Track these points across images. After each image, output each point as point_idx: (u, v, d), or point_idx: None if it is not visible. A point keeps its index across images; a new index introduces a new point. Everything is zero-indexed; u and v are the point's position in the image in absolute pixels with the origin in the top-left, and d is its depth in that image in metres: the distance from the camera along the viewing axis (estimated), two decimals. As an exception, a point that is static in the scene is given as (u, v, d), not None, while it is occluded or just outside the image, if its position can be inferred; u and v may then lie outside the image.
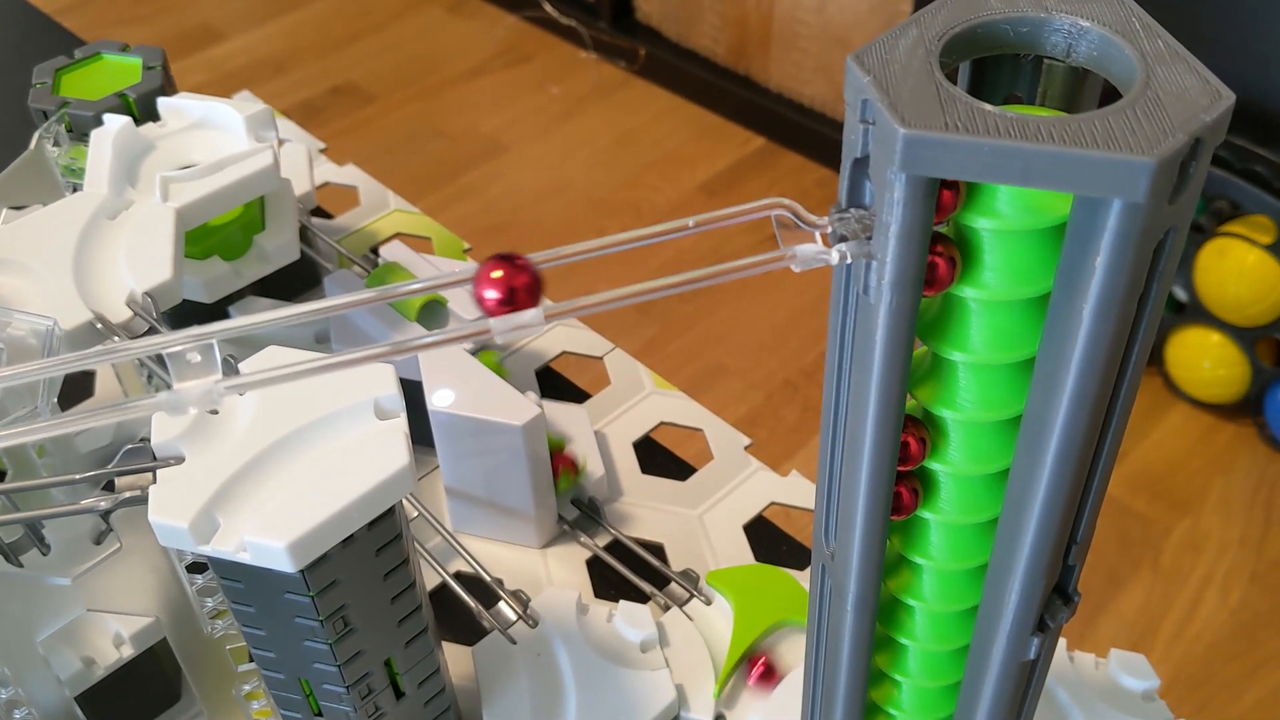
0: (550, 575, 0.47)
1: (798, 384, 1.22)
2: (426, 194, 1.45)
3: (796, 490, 0.50)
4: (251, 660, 0.36)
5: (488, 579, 0.44)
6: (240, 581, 0.31)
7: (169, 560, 0.33)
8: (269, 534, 0.28)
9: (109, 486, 0.31)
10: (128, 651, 0.40)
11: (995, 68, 0.25)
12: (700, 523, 0.49)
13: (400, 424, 0.31)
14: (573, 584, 0.47)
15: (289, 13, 1.90)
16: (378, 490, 0.29)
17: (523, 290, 0.25)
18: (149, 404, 0.21)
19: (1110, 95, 0.22)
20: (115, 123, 0.43)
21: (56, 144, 0.45)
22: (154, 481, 0.30)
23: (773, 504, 0.50)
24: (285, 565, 0.28)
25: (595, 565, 0.48)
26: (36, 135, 0.45)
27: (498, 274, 0.24)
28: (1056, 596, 0.28)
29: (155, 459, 0.30)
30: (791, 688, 0.41)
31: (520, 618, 0.43)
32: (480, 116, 1.66)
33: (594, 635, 0.42)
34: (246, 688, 0.37)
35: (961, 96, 0.21)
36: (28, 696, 0.35)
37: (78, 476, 0.30)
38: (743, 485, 0.51)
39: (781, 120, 1.54)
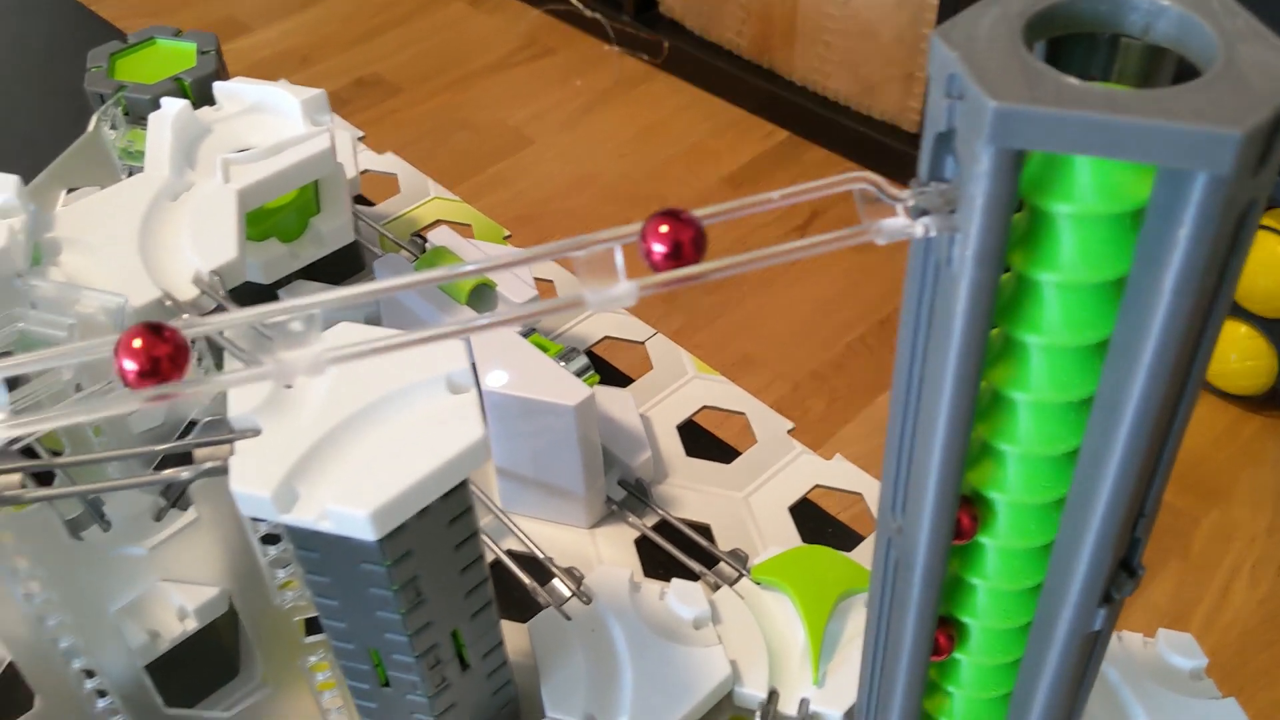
0: (600, 554, 0.48)
1: (825, 375, 1.22)
2: (455, 185, 1.45)
3: (841, 473, 0.51)
4: (320, 632, 0.36)
5: (541, 556, 0.45)
6: (316, 551, 0.32)
7: (241, 532, 0.34)
8: (350, 503, 0.29)
9: (182, 460, 0.32)
10: (191, 625, 0.41)
11: (1071, 46, 0.25)
12: (746, 505, 0.50)
13: (472, 398, 0.32)
14: (622, 563, 0.48)
15: (313, 6, 1.90)
16: (454, 462, 0.30)
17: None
18: (255, 373, 0.22)
19: (1182, 77, 0.22)
20: (173, 106, 0.44)
21: (114, 127, 0.46)
22: (232, 453, 0.31)
23: (817, 486, 0.51)
24: (366, 534, 0.29)
25: (643, 545, 0.48)
26: (95, 118, 0.46)
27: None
28: (1121, 569, 0.28)
29: (233, 432, 0.31)
30: (847, 662, 0.42)
31: (574, 594, 0.43)
32: (506, 109, 1.66)
33: (647, 612, 0.42)
34: (313, 659, 0.38)
35: (1048, 71, 0.21)
36: (100, 666, 0.36)
37: (158, 448, 0.31)
38: (787, 468, 0.51)
39: (805, 113, 1.54)
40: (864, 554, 0.47)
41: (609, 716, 0.39)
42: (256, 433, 0.31)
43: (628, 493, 0.50)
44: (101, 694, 0.37)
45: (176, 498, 0.41)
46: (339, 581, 0.32)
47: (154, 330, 0.23)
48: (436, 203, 0.69)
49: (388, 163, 0.70)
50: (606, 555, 0.48)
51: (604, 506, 0.49)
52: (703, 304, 1.32)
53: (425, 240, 0.59)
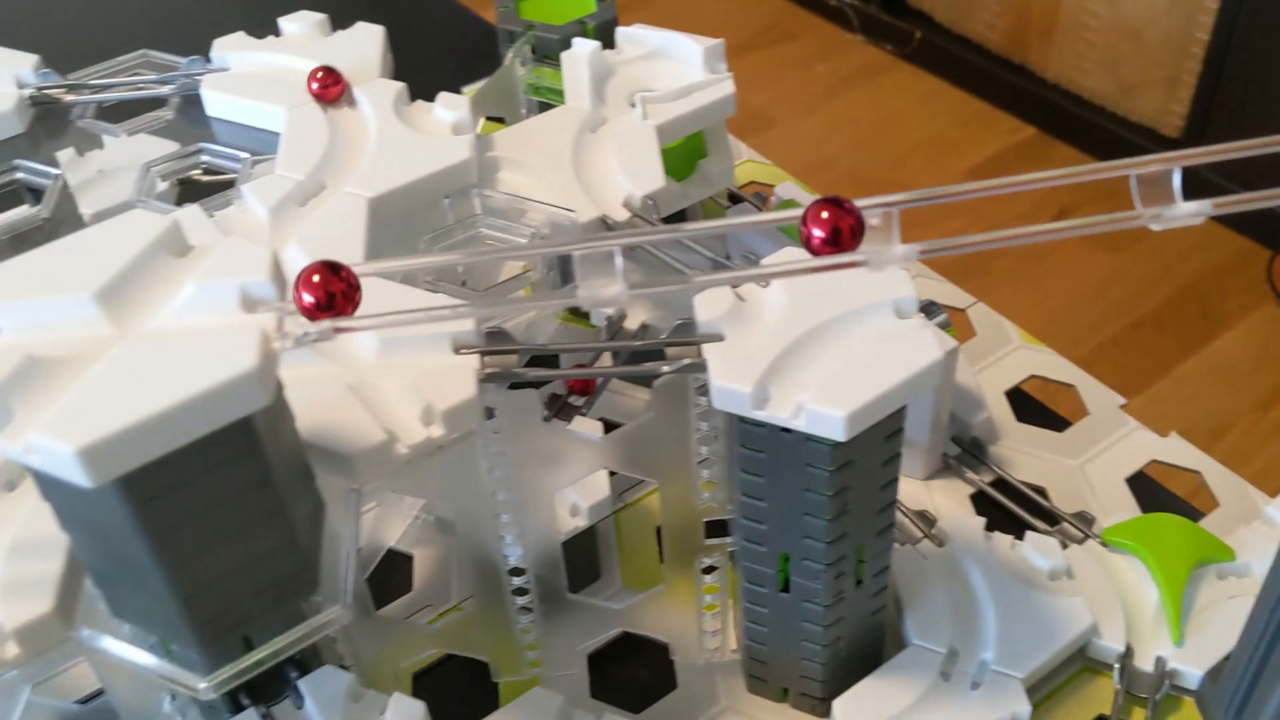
0: (935, 505, 0.50)
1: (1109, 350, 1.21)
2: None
3: (1178, 451, 0.51)
4: (722, 535, 0.39)
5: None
6: (763, 452, 0.34)
7: (681, 431, 0.37)
8: (827, 403, 0.31)
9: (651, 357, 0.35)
10: (581, 522, 0.44)
11: None
12: (1081, 472, 0.51)
13: (920, 322, 0.33)
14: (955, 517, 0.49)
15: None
16: (914, 379, 0.32)
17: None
18: (846, 259, 0.24)
19: None
20: (586, 46, 0.47)
21: (523, 63, 0.50)
22: (698, 356, 0.33)
23: (1154, 462, 0.51)
24: (838, 434, 0.31)
25: (978, 500, 0.50)
26: (510, 54, 0.49)
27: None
28: None
29: (701, 336, 0.34)
30: (1205, 627, 0.42)
31: (926, 535, 0.45)
32: (747, 90, 1.68)
33: (1002, 559, 0.44)
34: (707, 561, 0.40)
35: None
36: (526, 544, 0.39)
37: (636, 344, 0.34)
38: (1121, 441, 0.52)
39: (1056, 111, 1.52)
40: (1211, 527, 0.47)
41: (972, 650, 0.41)
42: (720, 338, 0.34)
43: (961, 449, 0.51)
44: (518, 572, 0.40)
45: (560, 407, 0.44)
46: (775, 483, 0.35)
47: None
48: (749, 164, 0.71)
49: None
50: (943, 506, 0.50)
51: (940, 460, 0.51)
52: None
53: (744, 199, 0.61)
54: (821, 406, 0.31)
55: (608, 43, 0.50)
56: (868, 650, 0.41)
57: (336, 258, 0.26)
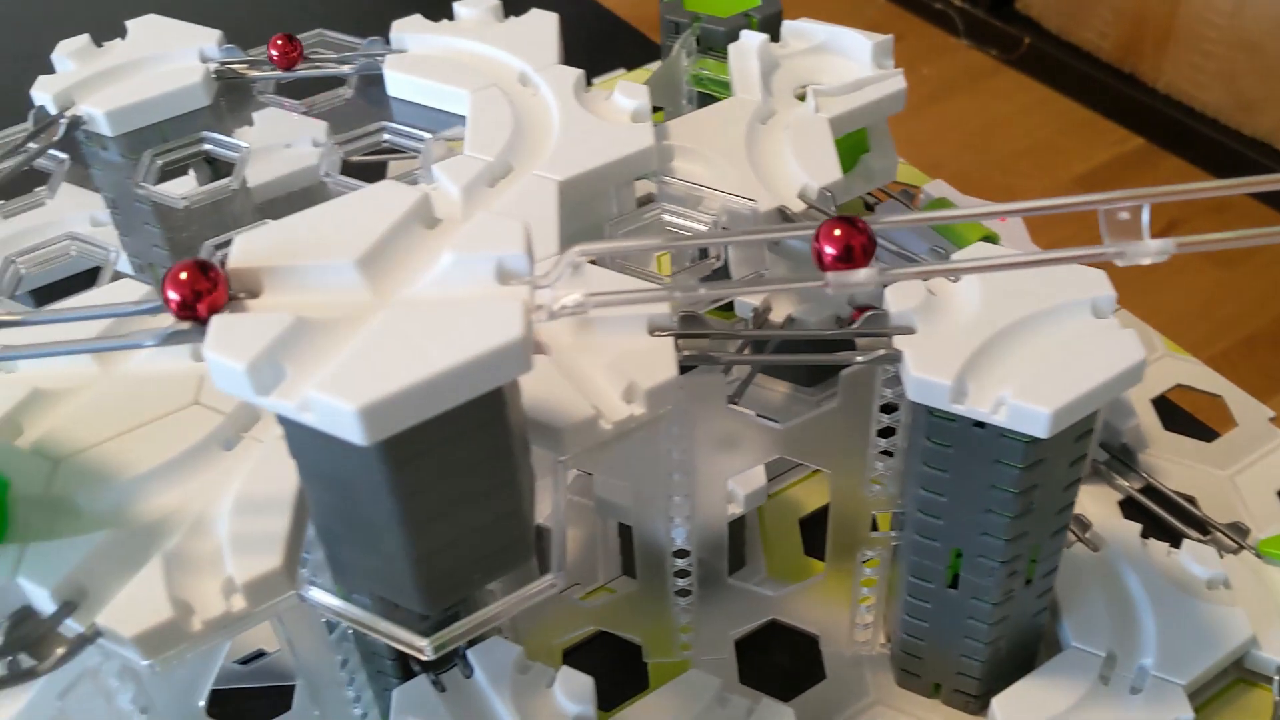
0: (1085, 510, 0.49)
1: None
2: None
3: (1331, 467, 0.51)
4: (894, 528, 0.39)
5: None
6: (950, 447, 0.34)
7: (859, 422, 0.37)
8: (1032, 399, 0.31)
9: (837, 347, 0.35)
10: (736, 509, 0.44)
11: None
12: (1232, 483, 0.50)
13: (1115, 323, 0.33)
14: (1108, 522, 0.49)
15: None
16: (1118, 378, 0.32)
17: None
18: (1095, 251, 0.24)
19: None
20: (755, 39, 0.48)
21: (688, 54, 0.50)
22: (890, 347, 0.34)
23: (1307, 477, 0.50)
24: (1039, 430, 0.31)
25: (1127, 507, 0.50)
26: (678, 45, 0.50)
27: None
28: None
29: (893, 328, 0.34)
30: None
31: (1080, 539, 0.45)
32: (850, 90, 1.68)
33: (1159, 566, 0.44)
34: (870, 554, 0.41)
35: None
36: (695, 525, 0.40)
37: (827, 333, 0.34)
38: (1273, 454, 0.51)
39: (1167, 122, 1.49)
40: (1370, 546, 0.46)
41: (1131, 655, 0.41)
42: (912, 330, 0.34)
43: (1110, 455, 0.51)
44: (682, 553, 0.41)
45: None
46: (959, 479, 0.35)
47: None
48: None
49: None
50: (1092, 511, 0.49)
51: (1089, 465, 0.51)
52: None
53: (892, 196, 0.62)
54: (1024, 402, 0.31)
55: (773, 36, 0.50)
56: (1025, 651, 0.42)
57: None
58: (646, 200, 0.44)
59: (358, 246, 0.25)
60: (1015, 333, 0.33)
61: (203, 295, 0.25)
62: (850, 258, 0.29)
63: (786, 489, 0.51)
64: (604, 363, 0.33)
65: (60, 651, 0.27)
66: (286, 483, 0.29)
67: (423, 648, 0.27)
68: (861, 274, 0.26)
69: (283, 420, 0.25)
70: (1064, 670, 0.40)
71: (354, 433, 0.22)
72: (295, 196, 0.52)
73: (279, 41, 0.46)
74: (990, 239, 0.53)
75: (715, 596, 0.45)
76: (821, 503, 0.51)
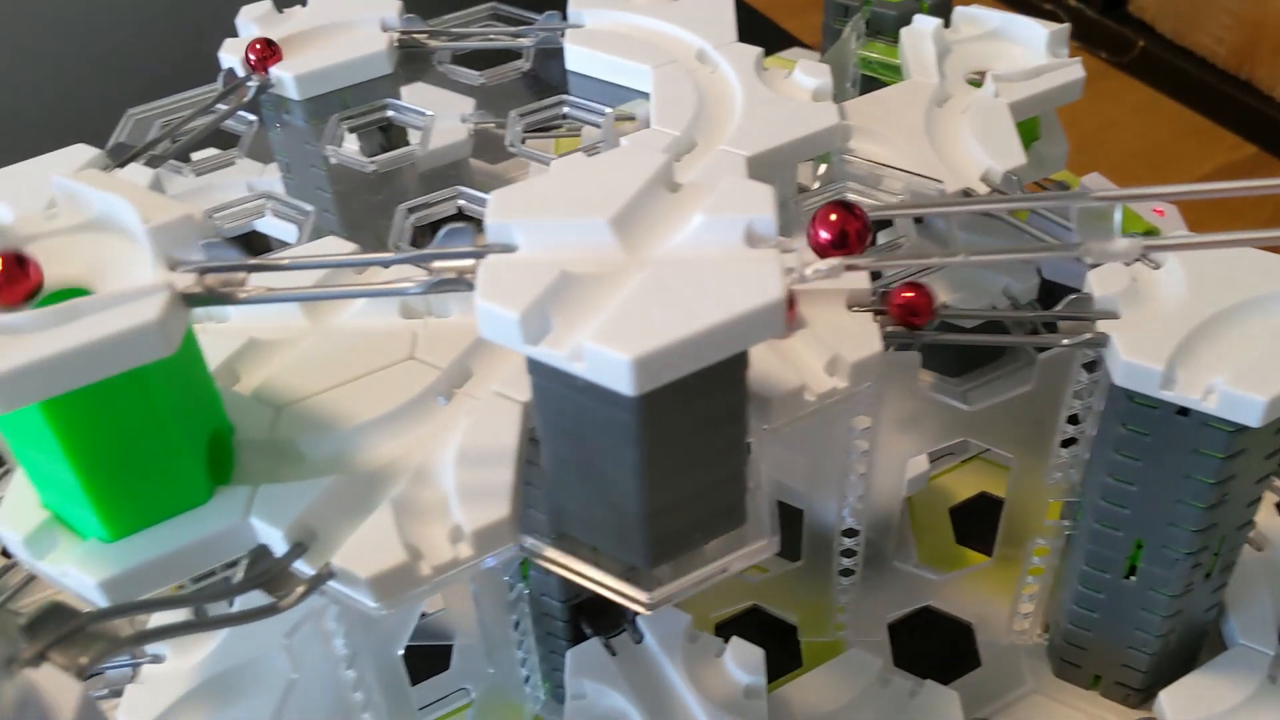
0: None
1: None
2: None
3: None
4: (1065, 517, 0.39)
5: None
6: (1148, 435, 0.34)
7: (1050, 408, 0.37)
8: (1247, 387, 0.31)
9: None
10: (902, 493, 0.44)
11: None
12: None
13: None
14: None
15: None
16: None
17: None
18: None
19: None
20: (928, 23, 0.48)
21: (858, 38, 0.50)
22: (1093, 331, 0.34)
23: None
24: (1252, 419, 0.31)
25: (1285, 511, 0.49)
26: (848, 28, 0.50)
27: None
28: None
29: (1098, 312, 0.34)
30: None
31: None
32: (955, 88, 1.66)
33: (1328, 569, 0.43)
34: (1041, 541, 0.41)
35: None
36: (868, 505, 0.40)
37: (1032, 315, 0.34)
38: None
39: (1284, 130, 1.46)
40: None
41: (1302, 657, 0.40)
42: (1116, 315, 0.34)
43: (1267, 458, 0.50)
44: (851, 533, 0.41)
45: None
46: (1152, 467, 0.35)
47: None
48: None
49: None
50: (1249, 512, 0.49)
51: (1246, 466, 0.50)
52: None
53: (1046, 188, 0.61)
54: (1239, 389, 0.31)
55: (945, 20, 0.50)
56: (1191, 646, 0.41)
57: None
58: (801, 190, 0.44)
59: (610, 206, 0.26)
60: (1224, 321, 0.33)
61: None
62: (845, 244, 0.29)
63: (937, 477, 0.51)
64: (808, 335, 0.33)
65: (300, 589, 0.27)
66: (509, 436, 0.30)
67: (646, 601, 0.28)
68: (1123, 243, 0.26)
69: (534, 371, 0.26)
70: (1231, 667, 0.40)
71: (624, 383, 0.23)
72: (446, 170, 0.53)
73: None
74: (1151, 233, 0.52)
75: (876, 579, 0.45)
76: (971, 493, 0.51)
